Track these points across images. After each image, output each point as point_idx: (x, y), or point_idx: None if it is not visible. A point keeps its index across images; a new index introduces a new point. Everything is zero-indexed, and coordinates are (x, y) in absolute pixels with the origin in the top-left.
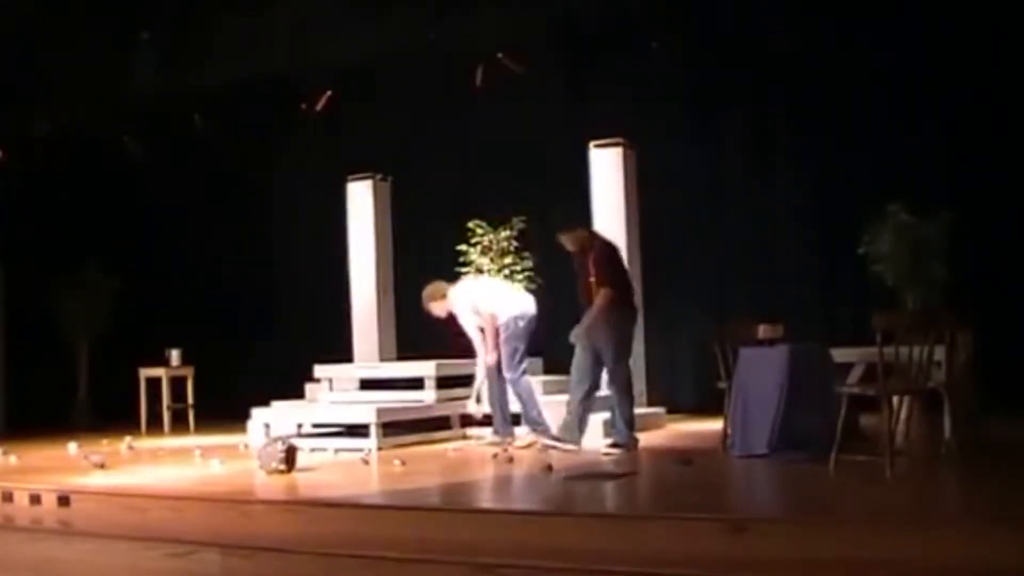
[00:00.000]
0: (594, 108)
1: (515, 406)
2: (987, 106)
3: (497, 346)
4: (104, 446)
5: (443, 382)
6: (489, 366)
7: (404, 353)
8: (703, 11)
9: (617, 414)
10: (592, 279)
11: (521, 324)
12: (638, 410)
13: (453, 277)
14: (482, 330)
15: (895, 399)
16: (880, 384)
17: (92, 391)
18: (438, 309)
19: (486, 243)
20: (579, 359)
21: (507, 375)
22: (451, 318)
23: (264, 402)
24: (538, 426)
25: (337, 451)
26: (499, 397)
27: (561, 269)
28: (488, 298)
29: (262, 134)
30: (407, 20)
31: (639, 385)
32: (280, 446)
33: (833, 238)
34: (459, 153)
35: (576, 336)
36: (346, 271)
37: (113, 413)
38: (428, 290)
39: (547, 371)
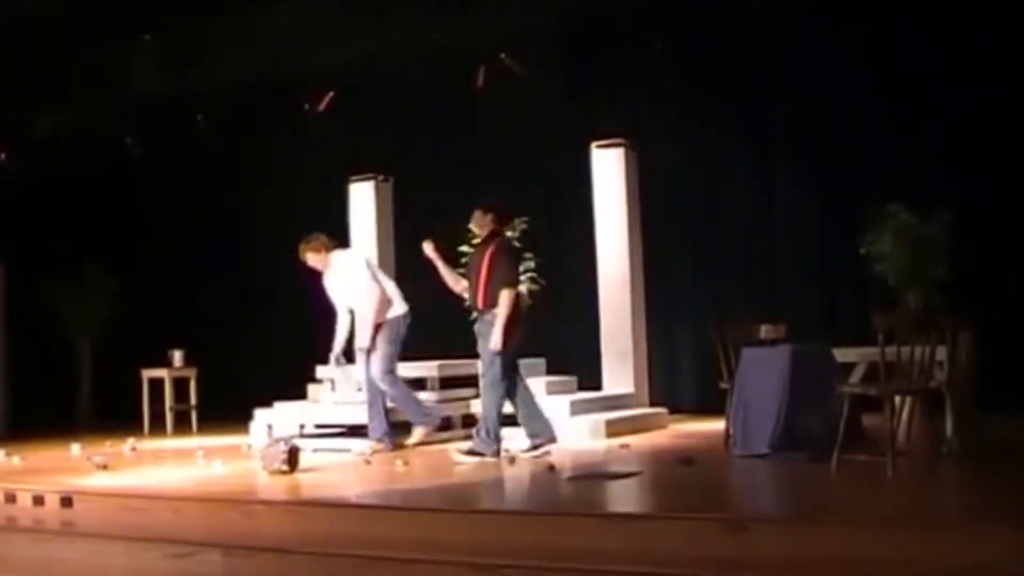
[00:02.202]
0: (596, 108)
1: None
2: (987, 106)
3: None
4: (107, 447)
5: (446, 382)
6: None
7: (406, 354)
8: (704, 11)
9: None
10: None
11: (407, 325)
12: (640, 410)
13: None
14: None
15: (897, 399)
16: (881, 384)
17: (94, 392)
18: (315, 260)
19: None
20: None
21: (382, 378)
22: None
23: (267, 403)
24: (427, 417)
25: (339, 452)
26: (376, 400)
27: (564, 269)
28: (389, 283)
29: (263, 135)
30: (408, 20)
31: (641, 384)
32: (283, 447)
33: (834, 238)
34: (461, 153)
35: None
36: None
37: (116, 414)
38: (312, 241)
39: (550, 372)
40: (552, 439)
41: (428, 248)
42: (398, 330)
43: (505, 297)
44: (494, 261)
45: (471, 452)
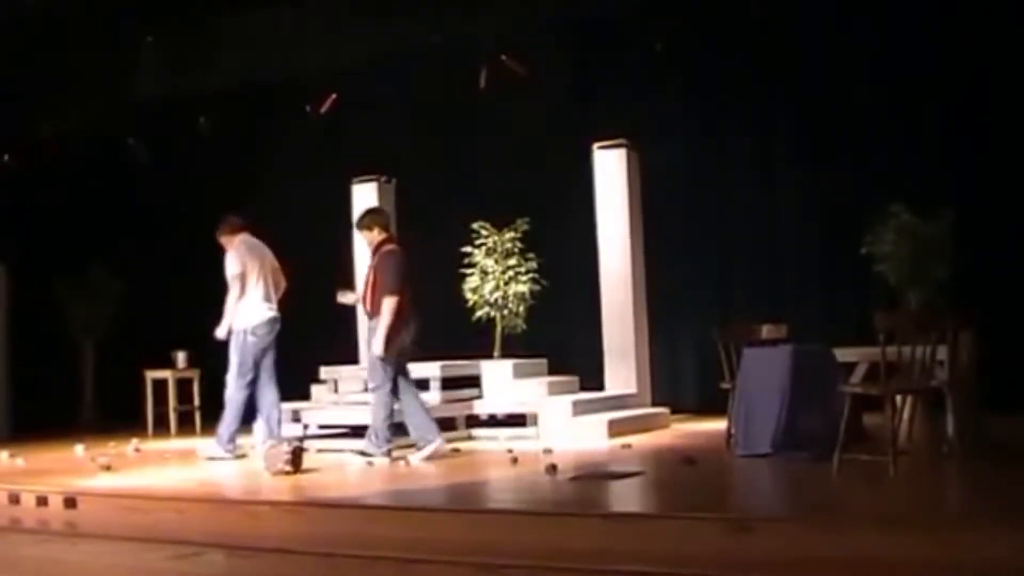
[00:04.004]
0: (597, 109)
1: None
2: (990, 106)
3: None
4: (110, 448)
5: (448, 383)
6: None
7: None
8: (706, 11)
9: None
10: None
11: (276, 331)
12: (642, 410)
13: (459, 279)
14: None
15: (898, 399)
16: (883, 384)
17: (98, 393)
18: (223, 240)
19: (490, 244)
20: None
21: (237, 382)
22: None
23: None
24: (229, 444)
25: (343, 452)
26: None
27: (566, 270)
28: (257, 291)
29: (266, 136)
30: (410, 21)
31: (643, 384)
32: (286, 447)
33: (836, 238)
34: (463, 155)
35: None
36: (351, 272)
37: (119, 415)
38: (221, 223)
39: (552, 372)
40: (436, 441)
41: (342, 298)
42: (245, 341)
43: (385, 304)
44: (378, 270)
45: (362, 453)
